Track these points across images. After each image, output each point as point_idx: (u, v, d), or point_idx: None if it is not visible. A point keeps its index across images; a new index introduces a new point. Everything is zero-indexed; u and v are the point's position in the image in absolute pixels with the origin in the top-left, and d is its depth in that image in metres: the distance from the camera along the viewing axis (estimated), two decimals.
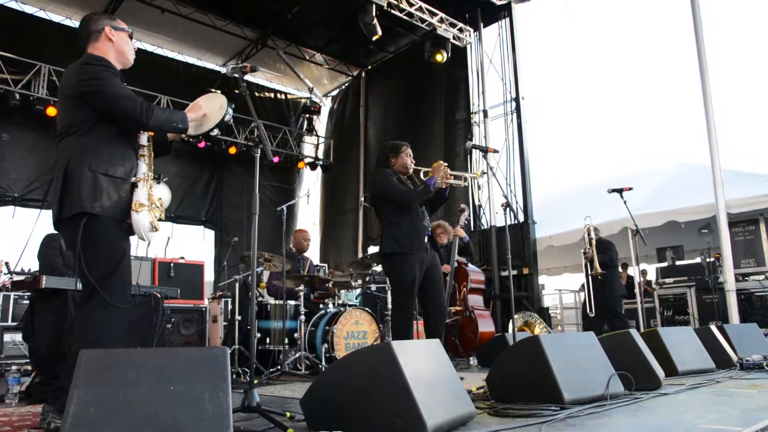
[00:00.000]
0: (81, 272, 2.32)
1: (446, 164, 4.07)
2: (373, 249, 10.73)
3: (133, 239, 2.58)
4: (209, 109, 2.75)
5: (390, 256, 3.94)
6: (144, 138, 2.63)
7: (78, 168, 2.34)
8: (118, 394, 1.62)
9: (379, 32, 8.30)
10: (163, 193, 2.60)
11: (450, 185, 4.14)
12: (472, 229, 9.56)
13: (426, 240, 4.00)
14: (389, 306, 5.38)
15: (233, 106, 2.74)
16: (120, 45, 2.61)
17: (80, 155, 2.36)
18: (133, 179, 2.49)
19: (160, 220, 2.51)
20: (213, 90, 2.93)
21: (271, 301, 5.50)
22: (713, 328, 4.48)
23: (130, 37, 2.68)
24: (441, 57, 9.32)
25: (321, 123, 13.23)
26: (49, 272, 3.77)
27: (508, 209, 4.42)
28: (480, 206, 9.65)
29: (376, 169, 4.19)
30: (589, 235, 6.71)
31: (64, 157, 2.38)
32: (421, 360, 2.26)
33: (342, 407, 2.20)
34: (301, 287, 5.24)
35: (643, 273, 9.91)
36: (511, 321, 5.18)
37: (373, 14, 8.11)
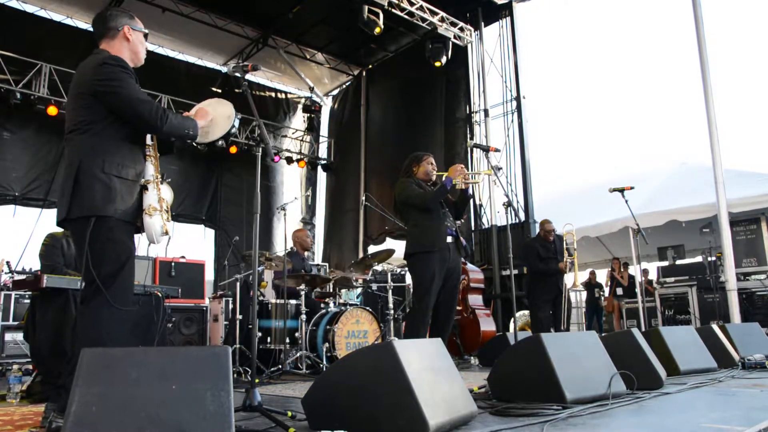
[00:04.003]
0: (86, 270, 2.29)
1: (463, 166, 4.17)
2: (373, 249, 10.72)
3: (136, 238, 2.57)
4: (216, 116, 2.73)
5: (412, 256, 4.12)
6: (148, 137, 2.61)
7: (90, 169, 2.32)
8: (119, 393, 1.62)
9: (381, 26, 8.27)
10: (166, 194, 2.61)
11: (468, 185, 4.23)
12: (473, 228, 9.56)
13: (450, 240, 4.13)
14: (390, 305, 5.38)
15: (240, 116, 2.73)
16: (135, 45, 2.62)
17: (93, 156, 2.35)
18: (142, 181, 2.50)
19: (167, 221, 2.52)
20: (214, 89, 2.91)
21: (272, 300, 5.49)
22: (715, 327, 4.48)
23: (145, 38, 2.68)
24: (438, 64, 9.36)
25: (322, 122, 13.24)
26: (50, 272, 3.77)
27: (509, 208, 4.42)
28: (481, 205, 9.65)
29: (399, 179, 4.36)
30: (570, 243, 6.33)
31: (76, 156, 2.36)
32: (423, 359, 2.26)
33: (344, 406, 2.19)
34: (303, 286, 5.24)
35: (645, 272, 9.90)
36: (512, 320, 5.17)
37: (365, 14, 8.12)
